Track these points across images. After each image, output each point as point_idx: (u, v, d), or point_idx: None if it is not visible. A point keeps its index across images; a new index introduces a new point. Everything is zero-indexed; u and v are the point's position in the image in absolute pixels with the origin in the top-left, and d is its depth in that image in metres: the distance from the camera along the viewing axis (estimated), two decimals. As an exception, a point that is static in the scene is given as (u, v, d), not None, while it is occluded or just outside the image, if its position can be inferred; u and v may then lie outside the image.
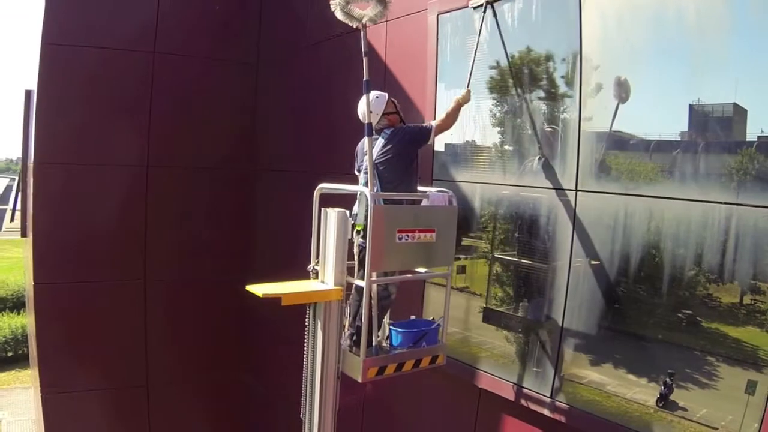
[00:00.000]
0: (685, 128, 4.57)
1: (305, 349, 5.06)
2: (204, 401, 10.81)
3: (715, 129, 4.41)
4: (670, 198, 4.61)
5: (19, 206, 12.03)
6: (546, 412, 5.52)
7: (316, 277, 5.09)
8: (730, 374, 4.30)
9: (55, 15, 9.49)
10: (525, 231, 5.83)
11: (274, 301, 4.64)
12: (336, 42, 8.30)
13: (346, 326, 5.15)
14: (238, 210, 10.97)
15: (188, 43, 10.38)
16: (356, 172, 5.47)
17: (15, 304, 22.98)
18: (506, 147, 6.02)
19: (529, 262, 5.78)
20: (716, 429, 4.35)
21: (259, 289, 4.73)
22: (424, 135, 5.28)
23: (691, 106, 4.51)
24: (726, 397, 4.31)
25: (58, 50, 9.51)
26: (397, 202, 5.12)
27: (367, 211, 4.83)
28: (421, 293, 6.65)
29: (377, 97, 5.18)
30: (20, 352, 20.17)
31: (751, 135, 4.24)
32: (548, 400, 5.50)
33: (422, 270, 5.45)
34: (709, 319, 4.44)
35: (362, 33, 4.76)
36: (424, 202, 5.34)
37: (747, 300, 4.25)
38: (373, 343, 4.97)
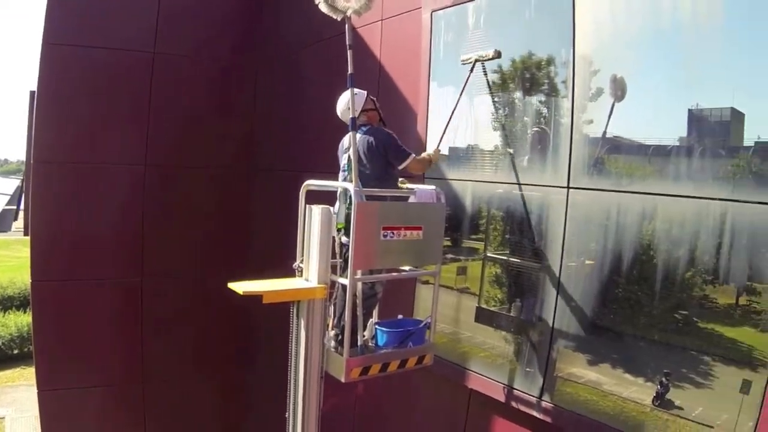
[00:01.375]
0: (683, 131, 4.50)
1: (290, 348, 4.91)
2: (198, 398, 10.67)
3: (712, 132, 4.34)
4: (665, 195, 4.51)
5: (23, 205, 11.95)
6: (535, 413, 5.39)
7: (301, 275, 4.94)
8: (725, 374, 4.25)
9: (55, 15, 9.39)
10: (516, 229, 5.69)
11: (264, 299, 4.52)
12: (327, 43, 8.20)
13: (331, 325, 4.99)
14: (234, 209, 10.83)
15: (188, 44, 10.26)
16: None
17: (22, 303, 23.03)
18: (499, 146, 5.88)
19: (521, 260, 5.64)
20: (712, 428, 4.31)
21: (240, 287, 4.60)
22: (400, 157, 5.15)
23: (690, 110, 4.44)
24: (721, 397, 4.27)
25: (58, 50, 9.43)
26: (381, 198, 4.95)
27: (348, 208, 4.68)
28: (413, 291, 6.49)
29: (356, 93, 5.04)
30: (26, 349, 20.13)
31: (748, 140, 4.19)
32: (537, 400, 5.37)
33: (409, 268, 5.30)
34: (705, 319, 4.38)
35: (346, 26, 4.64)
36: (412, 199, 5.17)
37: (743, 301, 4.20)
38: (359, 343, 4.82)
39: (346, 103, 4.98)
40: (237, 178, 10.80)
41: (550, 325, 5.26)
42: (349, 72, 4.62)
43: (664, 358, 4.60)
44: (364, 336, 4.90)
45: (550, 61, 5.39)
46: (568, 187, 5.12)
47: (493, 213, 5.93)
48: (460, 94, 5.67)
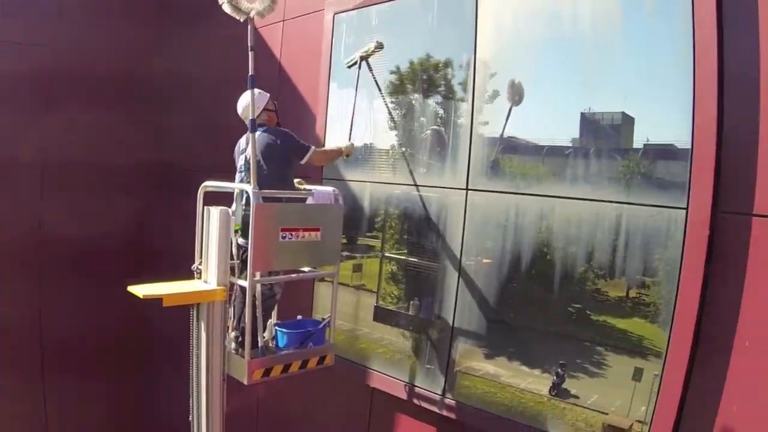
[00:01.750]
0: (576, 134, 4.72)
1: (191, 351, 4.84)
2: (102, 401, 10.27)
3: (604, 135, 4.56)
4: (560, 197, 4.71)
5: None
6: (436, 409, 5.49)
7: (200, 277, 4.88)
8: (618, 363, 4.50)
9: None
10: (415, 230, 5.80)
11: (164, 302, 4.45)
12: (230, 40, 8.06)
13: (230, 327, 4.95)
14: (138, 209, 10.40)
15: (88, 37, 9.81)
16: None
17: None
18: (397, 148, 5.96)
19: (419, 260, 5.75)
20: (606, 414, 4.56)
21: (140, 290, 4.47)
22: (299, 152, 5.17)
23: (582, 114, 4.68)
24: (615, 384, 4.50)
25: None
26: (279, 200, 4.94)
27: (245, 209, 4.68)
28: (311, 291, 6.49)
29: (260, 93, 5.05)
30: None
31: (638, 142, 4.43)
32: (439, 397, 5.47)
33: (308, 269, 5.31)
34: (598, 312, 4.58)
35: (249, 27, 4.57)
36: (310, 200, 5.19)
37: (633, 294, 4.42)
38: (259, 345, 4.80)
39: (247, 102, 4.97)
40: (138, 177, 10.37)
41: (450, 322, 5.37)
42: (250, 73, 4.55)
43: (560, 350, 4.80)
44: (264, 337, 4.89)
45: (450, 65, 5.50)
46: (468, 189, 5.24)
47: (392, 213, 6.00)
48: (356, 93, 5.81)
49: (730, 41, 3.95)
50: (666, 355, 4.14)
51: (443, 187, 5.45)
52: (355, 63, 5.87)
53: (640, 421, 4.37)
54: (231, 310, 4.95)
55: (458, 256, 5.31)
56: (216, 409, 4.79)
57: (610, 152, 4.49)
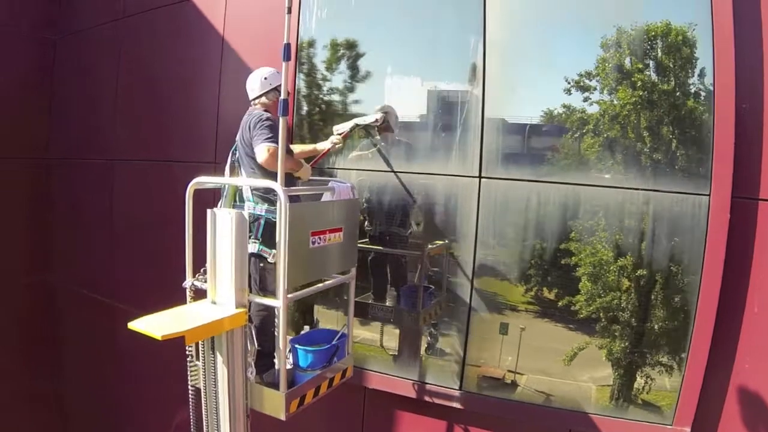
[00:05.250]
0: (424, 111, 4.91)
1: (202, 388, 3.75)
2: (14, 413, 8.45)
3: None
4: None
5: None
6: (429, 398, 5.07)
7: (196, 297, 3.78)
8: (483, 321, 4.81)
9: None
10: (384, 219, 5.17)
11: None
12: (161, 14, 6.77)
13: (251, 356, 3.88)
14: (31, 205, 8.50)
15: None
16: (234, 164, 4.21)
17: None
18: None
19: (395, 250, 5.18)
20: (479, 367, 4.86)
21: (151, 329, 3.22)
22: (254, 142, 3.91)
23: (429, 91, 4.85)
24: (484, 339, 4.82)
25: None
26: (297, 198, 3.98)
27: (256, 207, 3.89)
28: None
29: (277, 72, 4.04)
30: None
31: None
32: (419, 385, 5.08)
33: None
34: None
35: None
36: (326, 196, 4.16)
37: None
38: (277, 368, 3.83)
39: (263, 77, 4.04)
40: (33, 169, 8.50)
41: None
42: (285, 41, 3.40)
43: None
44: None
45: (456, 46, 4.87)
46: (480, 177, 4.66)
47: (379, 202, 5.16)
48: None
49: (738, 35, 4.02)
50: (694, 322, 4.23)
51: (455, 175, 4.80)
52: (344, 132, 4.81)
53: (511, 371, 4.74)
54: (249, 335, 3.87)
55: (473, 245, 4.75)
56: (244, 450, 3.74)
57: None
